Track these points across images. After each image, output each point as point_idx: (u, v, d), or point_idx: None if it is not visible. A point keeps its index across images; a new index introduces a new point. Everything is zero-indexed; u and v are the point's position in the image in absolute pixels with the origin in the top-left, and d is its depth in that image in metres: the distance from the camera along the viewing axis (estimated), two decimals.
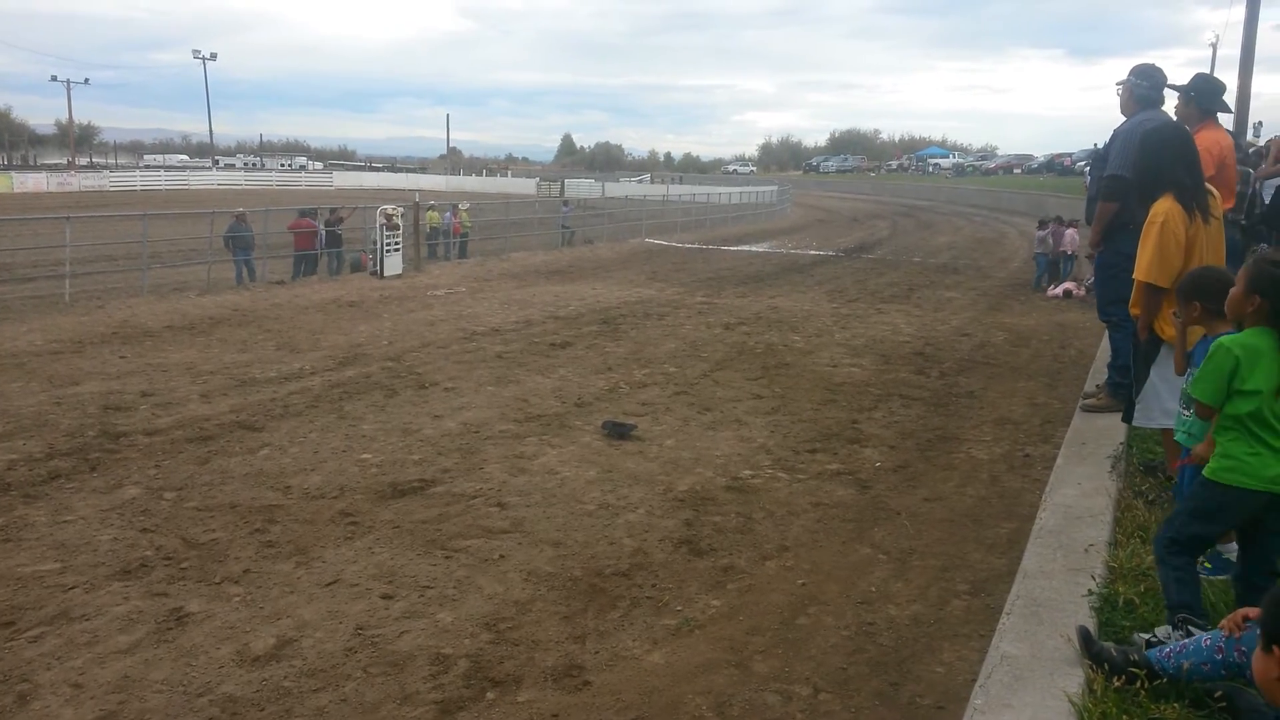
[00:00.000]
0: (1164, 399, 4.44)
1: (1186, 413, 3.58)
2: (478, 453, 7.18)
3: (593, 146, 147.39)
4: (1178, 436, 3.84)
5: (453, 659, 4.16)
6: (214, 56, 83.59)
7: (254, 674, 4.06)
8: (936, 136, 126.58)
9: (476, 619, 4.53)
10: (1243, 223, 7.36)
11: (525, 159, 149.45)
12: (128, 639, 4.37)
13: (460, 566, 5.13)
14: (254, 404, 8.60)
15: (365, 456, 7.08)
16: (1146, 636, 3.07)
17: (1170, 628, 3.07)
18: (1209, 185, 4.80)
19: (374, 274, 19.10)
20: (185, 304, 15.09)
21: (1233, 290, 3.19)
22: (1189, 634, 2.98)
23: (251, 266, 19.18)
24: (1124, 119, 6.17)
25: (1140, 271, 4.54)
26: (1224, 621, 2.67)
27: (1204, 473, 3.13)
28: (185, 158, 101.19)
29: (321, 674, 4.05)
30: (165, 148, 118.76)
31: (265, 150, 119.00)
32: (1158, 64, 6.10)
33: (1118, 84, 6.14)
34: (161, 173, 73.08)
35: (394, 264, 19.09)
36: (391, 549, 5.37)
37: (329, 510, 5.97)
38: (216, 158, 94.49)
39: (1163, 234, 4.42)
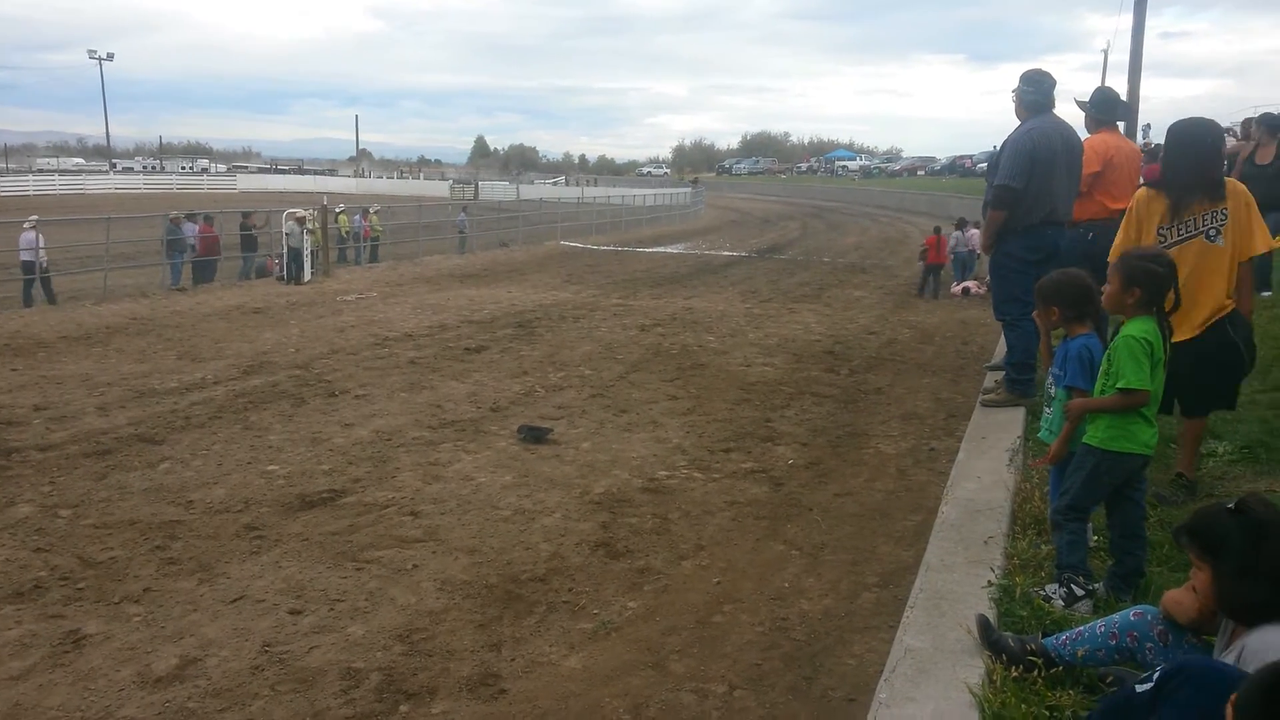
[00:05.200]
0: None
1: (1049, 410, 3.86)
2: (390, 461, 7.07)
3: (507, 149, 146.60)
4: (1041, 434, 4.08)
5: (364, 673, 4.09)
6: (110, 57, 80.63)
7: (156, 696, 3.93)
8: (844, 139, 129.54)
9: (389, 631, 4.46)
10: None
11: (438, 161, 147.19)
12: (21, 664, 4.18)
13: (372, 578, 5.04)
14: (154, 416, 8.31)
15: (272, 468, 6.90)
16: (1040, 593, 3.43)
17: (1057, 585, 3.45)
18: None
19: (280, 279, 18.65)
20: (81, 313, 14.50)
21: (1108, 288, 3.43)
22: (1071, 591, 3.39)
23: (179, 270, 19.11)
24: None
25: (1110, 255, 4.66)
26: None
27: (1091, 443, 3.46)
28: (81, 161, 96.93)
29: (227, 693, 3.94)
30: (59, 151, 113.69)
31: (165, 153, 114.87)
32: (1052, 69, 6.37)
33: (1012, 91, 6.37)
34: (56, 177, 69.98)
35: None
36: (300, 562, 5.24)
37: (233, 524, 5.81)
38: (114, 161, 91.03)
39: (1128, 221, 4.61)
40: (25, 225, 17.29)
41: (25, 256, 16.87)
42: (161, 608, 4.71)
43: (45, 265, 17.37)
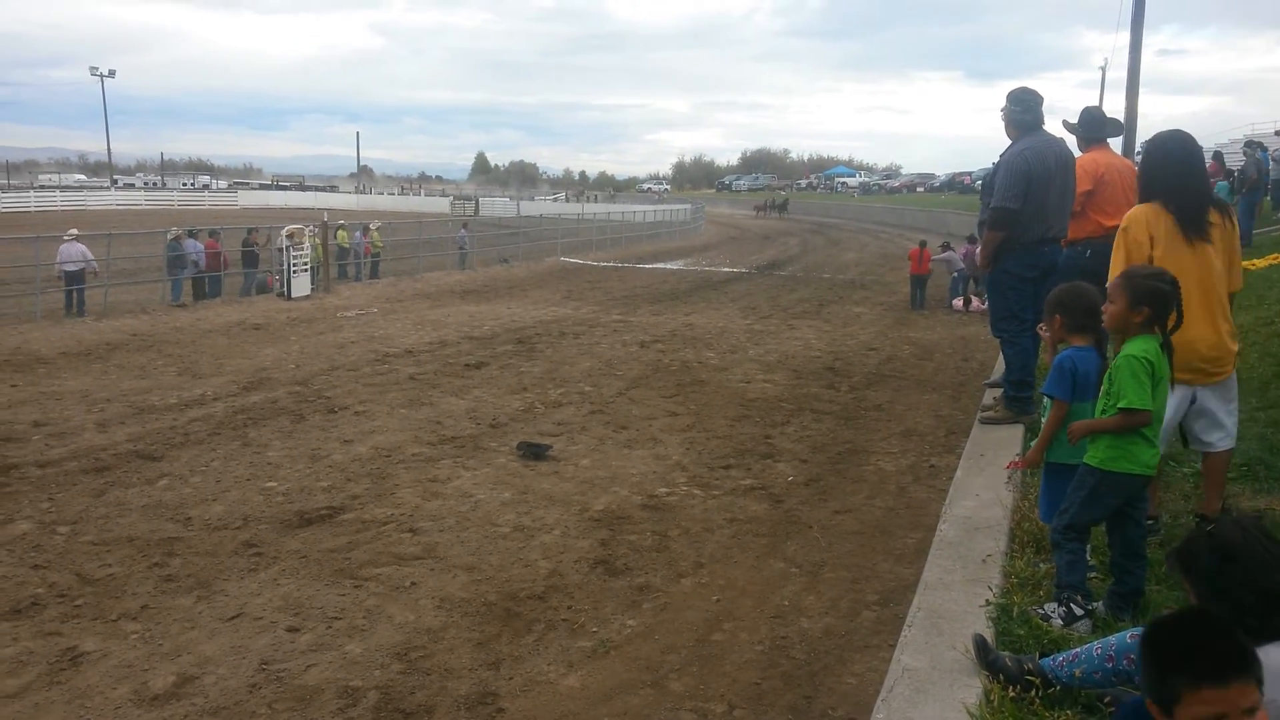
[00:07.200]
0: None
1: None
2: (389, 477, 7.06)
3: (507, 165, 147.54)
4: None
5: (362, 691, 4.08)
6: (112, 73, 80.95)
7: (153, 714, 3.91)
8: (843, 156, 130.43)
9: (387, 649, 4.44)
10: None
11: (439, 177, 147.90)
12: (17, 682, 4.17)
13: (370, 595, 5.03)
14: (153, 432, 8.31)
15: (270, 484, 6.89)
16: (1039, 611, 3.38)
17: (1056, 604, 3.40)
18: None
19: (280, 295, 18.68)
20: (81, 329, 14.52)
21: (1112, 307, 3.40)
22: (1070, 611, 3.34)
23: (180, 287, 19.20)
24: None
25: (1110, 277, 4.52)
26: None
27: (1092, 463, 3.42)
28: (82, 177, 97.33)
29: (224, 711, 3.93)
30: (61, 167, 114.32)
31: (167, 169, 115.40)
32: (1050, 86, 6.43)
33: (1000, 110, 6.40)
34: (57, 193, 70.16)
35: (301, 285, 18.70)
36: (298, 580, 5.23)
37: (232, 541, 5.80)
38: (116, 177, 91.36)
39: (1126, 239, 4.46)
40: (66, 237, 17.92)
41: (69, 268, 17.44)
42: (159, 625, 4.70)
43: (97, 273, 17.99)
